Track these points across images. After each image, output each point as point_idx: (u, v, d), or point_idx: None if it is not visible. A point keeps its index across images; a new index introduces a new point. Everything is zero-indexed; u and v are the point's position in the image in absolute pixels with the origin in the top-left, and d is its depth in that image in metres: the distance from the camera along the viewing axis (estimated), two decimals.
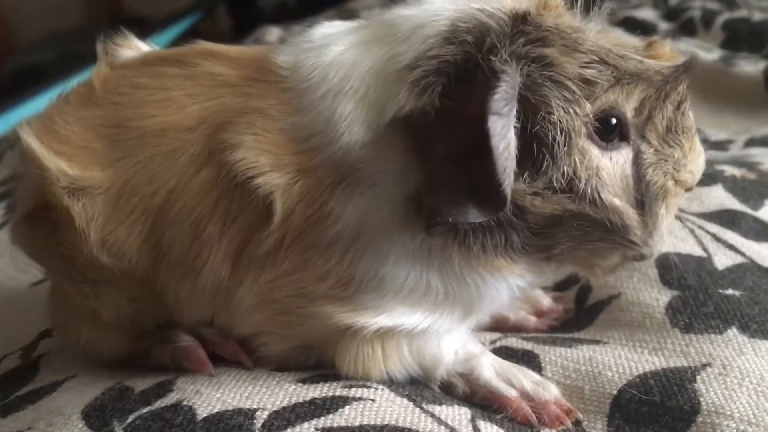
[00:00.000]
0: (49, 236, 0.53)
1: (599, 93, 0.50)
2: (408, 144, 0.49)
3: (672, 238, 0.68)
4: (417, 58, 0.50)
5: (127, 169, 0.51)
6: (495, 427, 0.51)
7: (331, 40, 0.54)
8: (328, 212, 0.50)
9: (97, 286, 0.54)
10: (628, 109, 0.51)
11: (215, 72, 0.54)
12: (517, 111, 0.48)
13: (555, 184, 0.50)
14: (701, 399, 0.51)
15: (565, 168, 0.50)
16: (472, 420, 0.51)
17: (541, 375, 0.57)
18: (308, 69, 0.52)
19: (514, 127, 0.47)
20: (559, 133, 0.49)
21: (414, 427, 0.48)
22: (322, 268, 0.51)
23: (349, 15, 1.34)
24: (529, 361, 0.58)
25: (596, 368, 0.56)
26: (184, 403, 0.50)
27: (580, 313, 0.65)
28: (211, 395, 0.51)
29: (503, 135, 0.46)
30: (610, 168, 0.51)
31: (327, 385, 0.52)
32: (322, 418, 0.48)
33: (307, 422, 0.48)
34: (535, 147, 0.49)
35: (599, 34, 0.52)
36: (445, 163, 0.47)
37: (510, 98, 0.47)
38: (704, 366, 0.54)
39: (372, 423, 0.48)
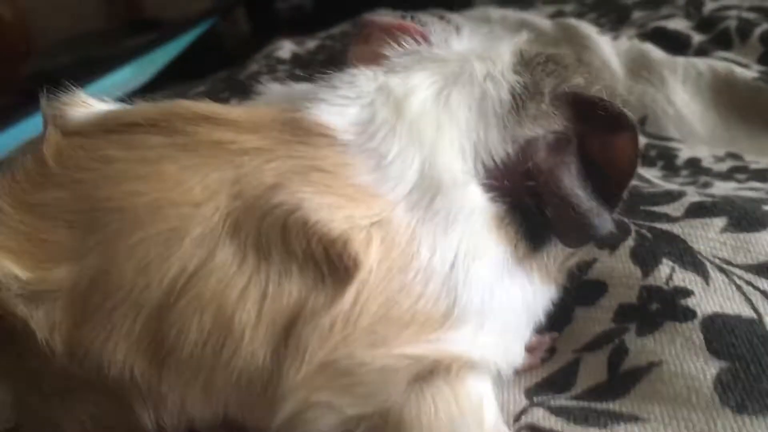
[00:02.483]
0: (6, 349, 0.45)
1: None
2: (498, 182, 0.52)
3: (717, 296, 0.61)
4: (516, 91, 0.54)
5: (105, 260, 0.44)
6: None
7: (398, 96, 0.52)
8: (414, 253, 0.47)
9: (67, 399, 0.46)
10: None
11: (220, 139, 0.47)
12: None
13: None
14: None
15: None
16: None
17: None
18: (381, 128, 0.50)
19: None
20: None
21: None
22: (411, 310, 0.46)
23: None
24: None
25: None
26: None
27: (615, 379, 0.59)
28: None
29: None
30: None
31: None
32: None
33: None
34: None
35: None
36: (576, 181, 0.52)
37: None
38: None
39: None
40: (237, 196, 0.45)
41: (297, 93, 0.54)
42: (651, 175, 0.98)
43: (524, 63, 0.57)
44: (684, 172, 0.96)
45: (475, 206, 0.50)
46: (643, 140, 1.04)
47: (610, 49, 1.12)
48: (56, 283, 0.43)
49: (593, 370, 0.60)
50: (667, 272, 0.63)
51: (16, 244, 0.44)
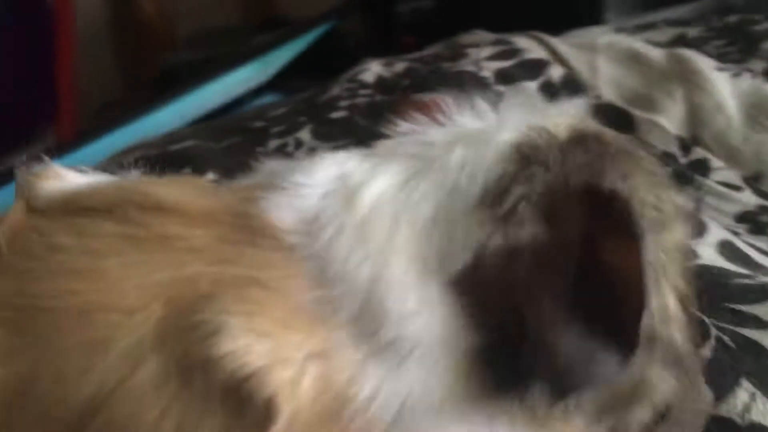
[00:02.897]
0: None
1: None
2: (467, 299, 0.40)
3: None
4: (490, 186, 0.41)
5: (30, 365, 0.39)
6: None
7: (352, 186, 0.43)
8: (351, 397, 0.39)
9: None
10: None
11: (168, 234, 0.42)
12: None
13: None
14: None
15: None
16: None
17: None
18: (330, 230, 0.41)
19: None
20: None
21: None
22: None
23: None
24: None
25: None
26: None
27: None
28: None
29: None
30: None
31: None
32: None
33: None
34: None
35: None
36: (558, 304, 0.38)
37: None
38: None
39: None
40: (170, 303, 0.39)
41: (273, 172, 0.47)
42: (760, 245, 0.84)
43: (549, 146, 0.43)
44: None
45: (433, 338, 0.39)
46: (754, 201, 0.90)
47: (727, 90, 0.99)
48: None
49: None
50: (746, 400, 0.52)
51: None
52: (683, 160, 0.94)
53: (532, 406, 0.39)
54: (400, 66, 1.18)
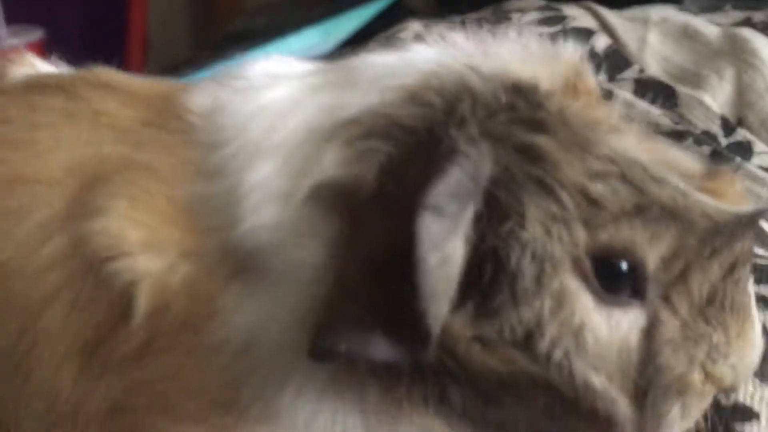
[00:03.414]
0: None
1: (606, 221, 0.34)
2: (334, 229, 0.35)
3: None
4: (363, 113, 0.36)
5: None
6: None
7: (270, 81, 0.41)
8: (214, 311, 0.37)
9: None
10: (652, 256, 0.35)
11: (102, 110, 0.42)
12: (478, 214, 0.33)
13: (506, 332, 0.34)
14: None
15: (528, 313, 0.34)
16: None
17: None
18: (226, 117, 0.39)
19: (467, 235, 0.32)
20: (528, 259, 0.33)
21: None
22: (198, 383, 0.37)
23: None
24: None
25: None
26: None
27: None
28: None
29: (439, 243, 0.31)
30: (603, 330, 0.35)
31: None
32: None
33: None
34: (489, 270, 0.33)
35: (636, 140, 0.33)
36: (363, 267, 0.32)
37: (465, 193, 0.32)
38: None
39: None
40: (81, 180, 0.40)
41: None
42: None
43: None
44: None
45: (289, 263, 0.36)
46: None
47: None
48: None
49: None
50: None
51: None
52: (724, 141, 0.88)
53: (389, 386, 0.35)
54: (439, 27, 1.14)
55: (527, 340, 0.34)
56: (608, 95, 0.84)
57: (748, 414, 0.48)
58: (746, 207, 0.37)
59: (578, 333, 0.35)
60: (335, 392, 0.36)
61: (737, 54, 0.96)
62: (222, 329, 0.36)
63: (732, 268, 0.37)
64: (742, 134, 0.89)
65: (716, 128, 0.90)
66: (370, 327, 0.31)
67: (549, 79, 0.39)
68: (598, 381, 0.35)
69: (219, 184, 0.38)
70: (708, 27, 1.05)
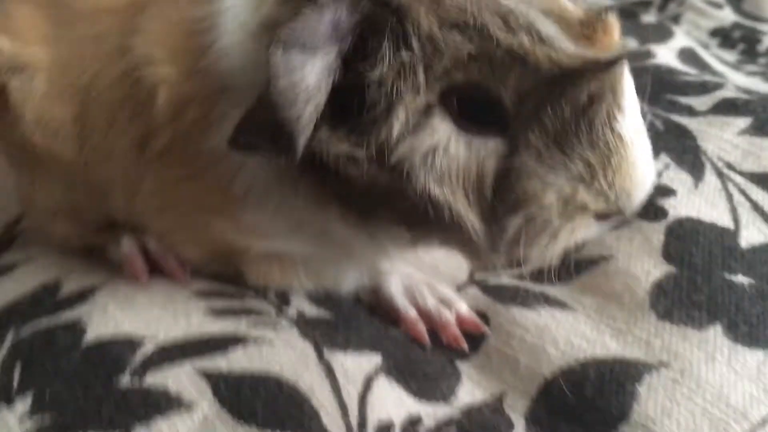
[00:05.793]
0: (3, 116, 0.53)
1: (448, 65, 0.40)
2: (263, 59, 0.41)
3: (701, 200, 0.58)
4: None
5: (63, 48, 0.51)
6: (397, 387, 0.48)
7: None
8: (215, 118, 0.46)
9: (35, 171, 0.55)
10: (506, 94, 0.41)
11: None
12: (342, 53, 0.40)
13: (368, 150, 0.42)
14: (635, 406, 0.45)
15: (382, 135, 0.41)
16: (375, 372, 0.49)
17: (484, 342, 0.53)
18: None
19: (330, 68, 0.40)
20: (382, 94, 0.41)
21: (294, 381, 0.47)
22: (211, 180, 0.47)
23: None
24: None
25: (541, 342, 0.51)
26: (79, 324, 0.51)
27: (563, 266, 0.57)
28: (114, 314, 0.52)
29: (289, 72, 0.39)
30: (461, 153, 0.41)
31: (234, 319, 0.51)
32: (207, 358, 0.48)
33: (188, 361, 0.48)
34: (356, 100, 0.41)
35: None
36: (261, 89, 0.39)
37: (322, 34, 0.39)
38: (660, 365, 0.47)
39: (253, 370, 0.47)
40: (135, 8, 0.50)
41: None
42: (726, 57, 0.90)
43: None
44: (762, 60, 0.87)
45: (253, 86, 0.41)
46: (732, 18, 0.94)
47: None
48: (35, 59, 0.51)
49: None
50: (659, 168, 0.60)
51: (13, 25, 0.52)
52: None
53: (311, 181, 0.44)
54: None
55: (380, 156, 0.41)
56: None
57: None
58: (604, 54, 0.41)
59: (428, 152, 0.41)
60: (279, 185, 0.46)
61: None
62: (219, 133, 0.45)
63: (585, 108, 0.41)
64: None
65: None
66: (260, 129, 0.39)
67: None
68: (439, 191, 0.41)
69: (213, 6, 0.46)
70: None
